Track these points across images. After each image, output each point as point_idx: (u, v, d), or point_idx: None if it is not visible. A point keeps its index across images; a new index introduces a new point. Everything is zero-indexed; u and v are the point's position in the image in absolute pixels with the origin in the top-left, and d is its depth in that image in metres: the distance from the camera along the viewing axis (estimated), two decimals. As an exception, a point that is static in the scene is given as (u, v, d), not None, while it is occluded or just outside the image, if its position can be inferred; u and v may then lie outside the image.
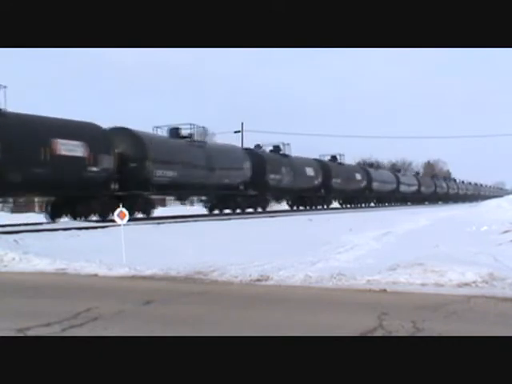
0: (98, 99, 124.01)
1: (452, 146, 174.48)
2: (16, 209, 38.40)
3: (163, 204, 45.76)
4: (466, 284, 7.78)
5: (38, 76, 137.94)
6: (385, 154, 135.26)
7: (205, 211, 33.73)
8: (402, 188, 63.87)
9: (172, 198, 40.36)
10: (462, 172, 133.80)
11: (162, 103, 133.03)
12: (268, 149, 40.31)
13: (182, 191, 29.80)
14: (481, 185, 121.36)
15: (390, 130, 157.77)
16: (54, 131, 21.01)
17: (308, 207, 43.52)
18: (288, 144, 40.43)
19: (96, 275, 9.52)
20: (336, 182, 45.97)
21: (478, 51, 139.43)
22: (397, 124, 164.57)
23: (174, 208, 41.36)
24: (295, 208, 42.61)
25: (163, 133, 29.48)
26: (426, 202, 73.16)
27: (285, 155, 40.30)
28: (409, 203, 65.56)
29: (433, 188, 77.83)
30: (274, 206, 41.81)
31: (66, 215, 22.79)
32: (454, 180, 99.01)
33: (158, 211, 28.93)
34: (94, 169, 22.38)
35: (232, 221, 24.04)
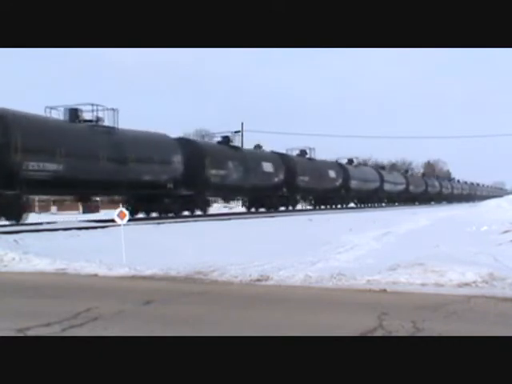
0: (98, 99, 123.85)
1: (452, 146, 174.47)
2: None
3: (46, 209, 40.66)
4: (466, 284, 7.78)
5: (38, 76, 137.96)
6: (385, 153, 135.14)
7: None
8: (387, 187, 58.89)
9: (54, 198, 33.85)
10: (462, 172, 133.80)
11: (162, 103, 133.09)
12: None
13: (74, 190, 23.06)
14: (477, 184, 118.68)
15: (389, 129, 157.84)
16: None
17: (270, 209, 37.09)
18: (235, 133, 36.88)
19: (96, 275, 9.52)
20: (303, 179, 40.67)
21: (477, 51, 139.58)
22: (397, 124, 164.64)
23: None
24: (253, 210, 36.89)
25: (60, 116, 23.32)
26: (417, 203, 68.97)
27: (235, 147, 35.55)
28: (396, 204, 61.47)
29: (423, 187, 73.89)
30: (223, 208, 39.32)
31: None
32: (448, 179, 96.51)
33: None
34: None
35: (232, 221, 24.04)
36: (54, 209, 45.16)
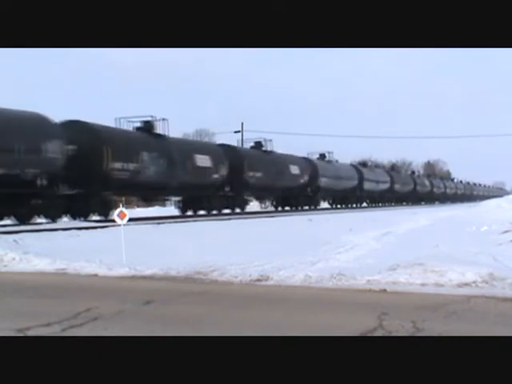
0: (98, 99, 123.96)
1: (452, 145, 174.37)
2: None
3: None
4: (466, 284, 7.78)
5: (38, 76, 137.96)
6: (385, 153, 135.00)
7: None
8: (368, 185, 52.67)
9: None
10: (462, 172, 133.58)
11: (162, 103, 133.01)
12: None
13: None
14: (475, 184, 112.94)
15: (389, 130, 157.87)
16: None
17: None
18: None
19: (96, 275, 9.52)
20: (255, 175, 34.20)
21: (477, 51, 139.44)
22: (397, 124, 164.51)
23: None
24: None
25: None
26: (404, 203, 63.61)
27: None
28: (379, 204, 56.21)
29: (411, 186, 67.05)
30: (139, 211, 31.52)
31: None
32: (441, 178, 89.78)
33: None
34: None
35: (232, 221, 24.04)
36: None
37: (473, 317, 6.05)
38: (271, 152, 37.81)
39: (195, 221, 23.49)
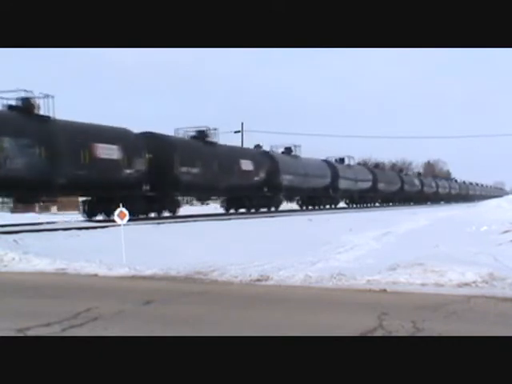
0: (98, 99, 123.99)
1: (452, 145, 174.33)
2: (16, 209, 38.27)
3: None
4: (466, 284, 7.78)
5: (38, 76, 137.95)
6: (385, 153, 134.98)
7: None
8: (344, 184, 46.27)
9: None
10: (462, 172, 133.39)
11: (162, 103, 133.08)
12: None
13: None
14: (471, 183, 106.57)
15: (389, 129, 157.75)
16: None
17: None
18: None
19: (96, 275, 9.52)
20: (189, 171, 28.07)
21: (477, 51, 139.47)
22: (397, 124, 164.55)
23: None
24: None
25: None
26: (391, 203, 58.76)
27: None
28: (361, 205, 51.16)
29: (398, 185, 60.53)
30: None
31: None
32: (434, 177, 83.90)
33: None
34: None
35: (232, 221, 24.04)
36: (54, 209, 44.96)
37: (473, 317, 6.05)
38: (218, 145, 31.42)
39: (195, 221, 23.49)
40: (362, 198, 51.72)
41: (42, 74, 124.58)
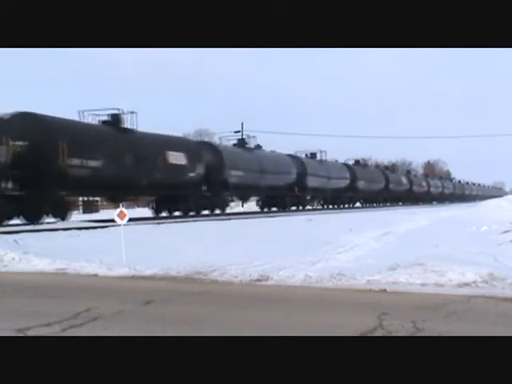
0: (98, 99, 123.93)
1: (452, 145, 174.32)
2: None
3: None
4: (466, 284, 7.77)
5: (38, 76, 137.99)
6: (385, 154, 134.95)
7: None
8: (313, 182, 40.43)
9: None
10: (462, 172, 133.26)
11: (162, 103, 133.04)
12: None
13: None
14: (467, 183, 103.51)
15: (389, 129, 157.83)
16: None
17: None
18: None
19: (96, 275, 9.52)
20: (83, 164, 22.13)
21: (477, 51, 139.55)
22: (397, 124, 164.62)
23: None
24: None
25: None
26: (375, 204, 54.01)
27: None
28: (336, 206, 45.63)
29: (382, 184, 54.99)
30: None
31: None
32: (426, 175, 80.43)
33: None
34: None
35: (232, 221, 24.05)
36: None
37: (473, 317, 6.05)
38: (135, 132, 25.79)
39: (195, 221, 23.50)
40: (335, 198, 45.98)
41: (42, 73, 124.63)
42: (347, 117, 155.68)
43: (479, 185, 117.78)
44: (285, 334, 5.13)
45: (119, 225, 11.44)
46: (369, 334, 5.25)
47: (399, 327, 5.46)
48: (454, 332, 5.19)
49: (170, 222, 21.73)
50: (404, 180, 63.48)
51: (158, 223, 20.73)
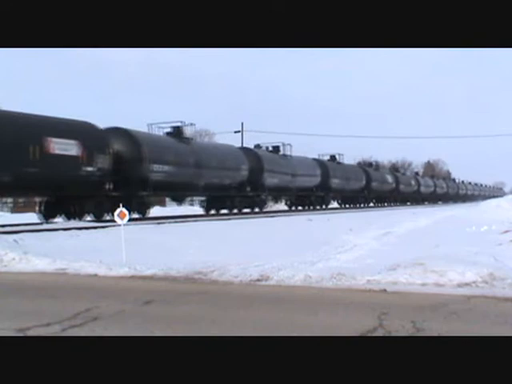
0: (98, 99, 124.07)
1: (452, 146, 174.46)
2: (16, 209, 38.19)
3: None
4: (466, 284, 7.77)
5: (38, 76, 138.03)
6: (385, 154, 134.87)
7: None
8: (271, 180, 35.55)
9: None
10: (462, 172, 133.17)
11: (162, 103, 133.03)
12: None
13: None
14: (463, 182, 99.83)
15: (390, 130, 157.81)
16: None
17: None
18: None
19: (96, 275, 9.52)
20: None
21: (477, 51, 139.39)
22: (397, 124, 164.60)
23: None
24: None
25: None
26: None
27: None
28: (310, 207, 41.01)
29: (361, 183, 50.04)
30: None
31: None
32: (416, 174, 76.05)
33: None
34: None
35: (232, 221, 24.06)
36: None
37: (473, 317, 6.05)
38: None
39: (195, 221, 23.51)
40: (303, 199, 41.30)
41: (42, 73, 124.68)
42: (347, 117, 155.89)
43: (476, 184, 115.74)
44: (285, 334, 5.13)
45: (119, 225, 11.44)
46: (369, 334, 5.25)
47: (399, 327, 5.46)
48: (454, 332, 5.19)
49: (169, 222, 21.75)
50: (390, 179, 57.60)
51: (158, 223, 20.74)
